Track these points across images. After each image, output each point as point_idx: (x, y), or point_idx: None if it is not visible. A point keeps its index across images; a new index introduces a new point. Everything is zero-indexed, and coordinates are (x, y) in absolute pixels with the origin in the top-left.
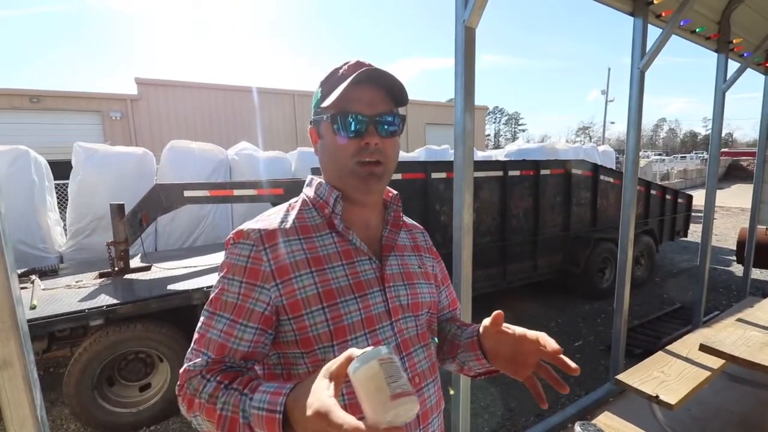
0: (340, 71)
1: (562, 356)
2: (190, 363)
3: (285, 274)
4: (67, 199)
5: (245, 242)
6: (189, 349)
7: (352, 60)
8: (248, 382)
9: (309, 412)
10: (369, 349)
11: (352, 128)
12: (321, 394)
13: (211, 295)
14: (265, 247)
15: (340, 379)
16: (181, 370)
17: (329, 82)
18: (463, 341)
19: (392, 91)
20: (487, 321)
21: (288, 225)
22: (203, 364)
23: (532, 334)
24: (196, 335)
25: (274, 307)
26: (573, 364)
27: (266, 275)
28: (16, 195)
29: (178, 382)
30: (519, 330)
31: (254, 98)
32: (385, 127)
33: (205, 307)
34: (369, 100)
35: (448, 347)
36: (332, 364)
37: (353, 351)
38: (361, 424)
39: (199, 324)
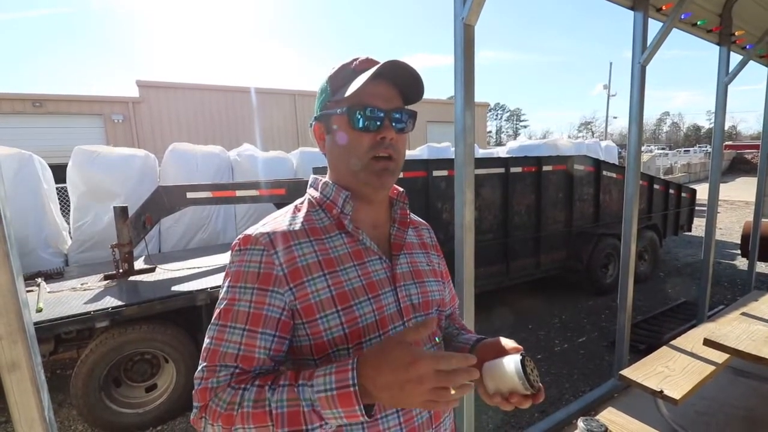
0: (352, 66)
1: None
2: (209, 381)
3: (298, 278)
4: (69, 202)
5: (254, 247)
6: (199, 369)
7: (362, 56)
8: (296, 375)
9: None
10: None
11: (370, 122)
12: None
13: (219, 307)
14: (276, 251)
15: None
16: (196, 391)
17: (339, 77)
18: (456, 344)
19: (406, 87)
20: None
21: (297, 227)
22: (227, 378)
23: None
24: (205, 353)
25: (290, 311)
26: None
27: (279, 280)
28: (21, 199)
29: (198, 404)
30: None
31: (255, 99)
32: (399, 123)
33: (212, 321)
34: (385, 95)
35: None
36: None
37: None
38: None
39: (208, 340)
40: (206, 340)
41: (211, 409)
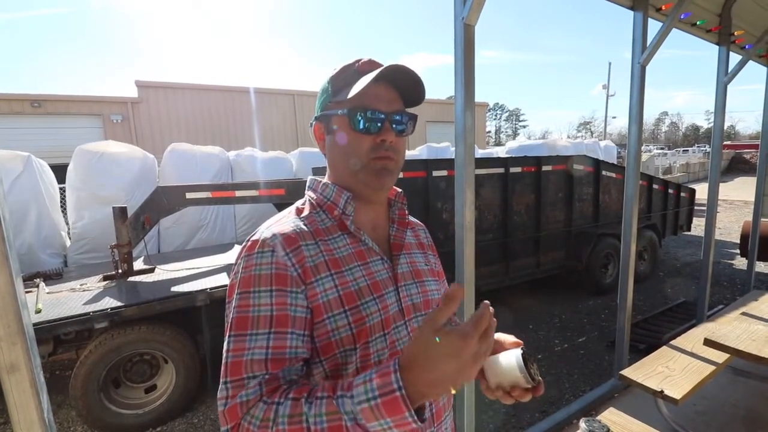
0: (354, 67)
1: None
2: (237, 396)
3: (308, 278)
4: (68, 203)
5: (263, 251)
6: (220, 388)
7: (365, 58)
8: (333, 386)
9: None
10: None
11: (370, 124)
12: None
13: (233, 316)
14: (287, 252)
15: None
16: (226, 409)
17: (341, 78)
18: None
19: (407, 91)
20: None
21: (302, 228)
22: (257, 389)
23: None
24: (225, 369)
25: (309, 310)
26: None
27: (295, 280)
28: (20, 200)
29: (229, 425)
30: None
31: (254, 99)
32: (399, 125)
33: (228, 334)
34: (386, 98)
35: None
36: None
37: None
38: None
39: (227, 353)
40: (224, 356)
41: (244, 428)
